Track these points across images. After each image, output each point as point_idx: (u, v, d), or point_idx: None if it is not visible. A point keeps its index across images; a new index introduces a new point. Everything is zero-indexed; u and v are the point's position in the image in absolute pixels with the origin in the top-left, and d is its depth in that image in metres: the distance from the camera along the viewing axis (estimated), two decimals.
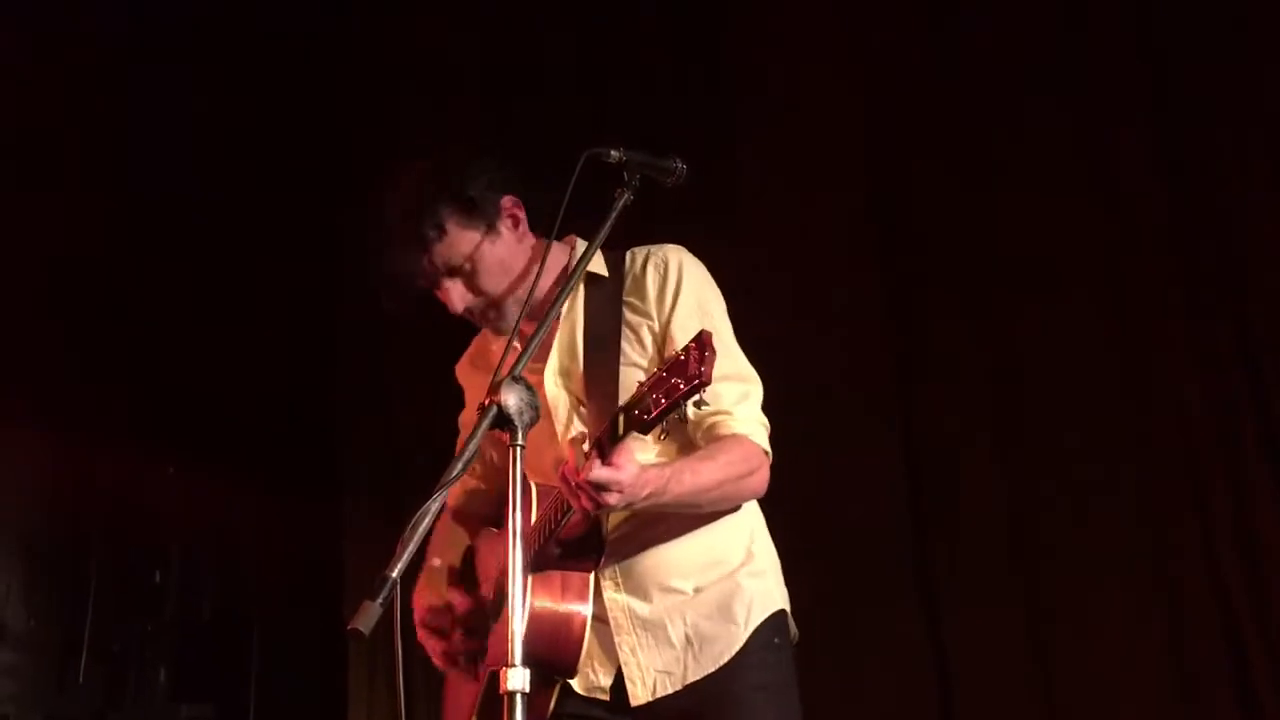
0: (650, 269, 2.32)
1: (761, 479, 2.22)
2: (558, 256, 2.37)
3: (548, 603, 2.11)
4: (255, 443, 5.87)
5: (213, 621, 5.94)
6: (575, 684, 2.20)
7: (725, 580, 2.22)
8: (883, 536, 3.87)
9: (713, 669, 2.17)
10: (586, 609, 2.12)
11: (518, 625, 1.69)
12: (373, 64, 5.95)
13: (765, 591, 2.26)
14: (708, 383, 1.73)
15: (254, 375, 5.87)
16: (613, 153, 2.16)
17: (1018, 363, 3.84)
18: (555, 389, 2.31)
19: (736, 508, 2.26)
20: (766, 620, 2.22)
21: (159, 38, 5.82)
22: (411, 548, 1.66)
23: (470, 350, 2.64)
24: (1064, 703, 3.57)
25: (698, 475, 2.10)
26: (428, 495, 1.71)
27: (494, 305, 2.32)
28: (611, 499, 1.93)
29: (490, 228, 2.28)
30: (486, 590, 2.43)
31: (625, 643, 2.18)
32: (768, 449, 2.24)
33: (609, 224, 2.13)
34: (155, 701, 5.67)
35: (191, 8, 5.85)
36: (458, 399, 2.74)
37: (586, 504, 1.94)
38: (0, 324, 5.30)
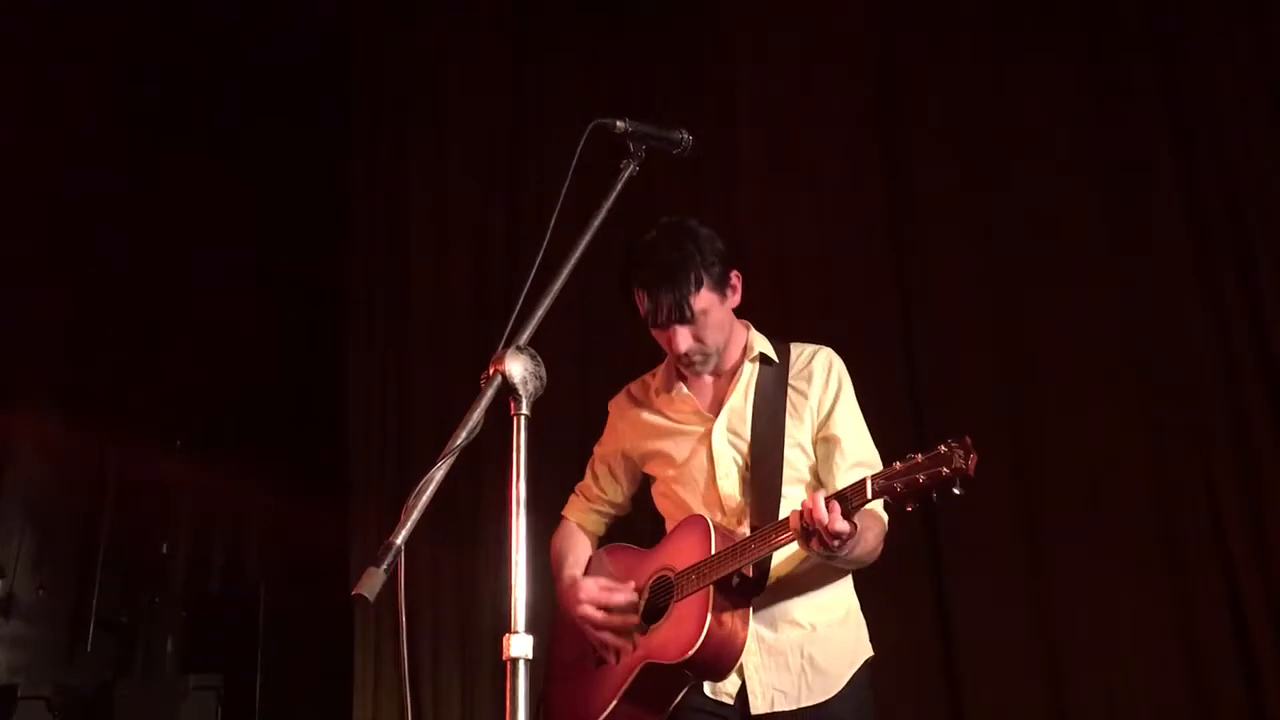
0: (817, 364, 2.73)
1: (882, 548, 2.58)
2: (741, 335, 2.78)
3: (721, 621, 2.46)
4: (264, 419, 5.89)
5: (220, 593, 5.98)
6: (705, 688, 2.56)
7: (835, 627, 2.62)
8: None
9: (821, 699, 2.54)
10: (747, 633, 2.50)
11: (519, 593, 1.71)
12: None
13: (862, 642, 2.68)
14: (970, 477, 2.13)
15: (267, 356, 5.89)
16: (619, 124, 2.20)
17: (1026, 339, 3.84)
18: (722, 442, 2.69)
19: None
20: (863, 665, 2.63)
21: None
22: (416, 515, 1.67)
23: (632, 388, 2.94)
24: (1069, 672, 3.58)
25: (866, 540, 2.45)
26: (430, 462, 1.72)
27: (705, 355, 2.68)
28: (839, 546, 2.28)
29: (723, 293, 2.64)
30: (636, 593, 2.68)
31: (751, 662, 2.54)
32: (887, 525, 2.61)
33: (614, 194, 2.15)
34: (163, 672, 5.72)
35: None
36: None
37: (817, 546, 2.29)
38: (13, 303, 5.33)
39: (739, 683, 2.54)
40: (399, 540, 1.64)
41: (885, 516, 2.59)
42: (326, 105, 6.09)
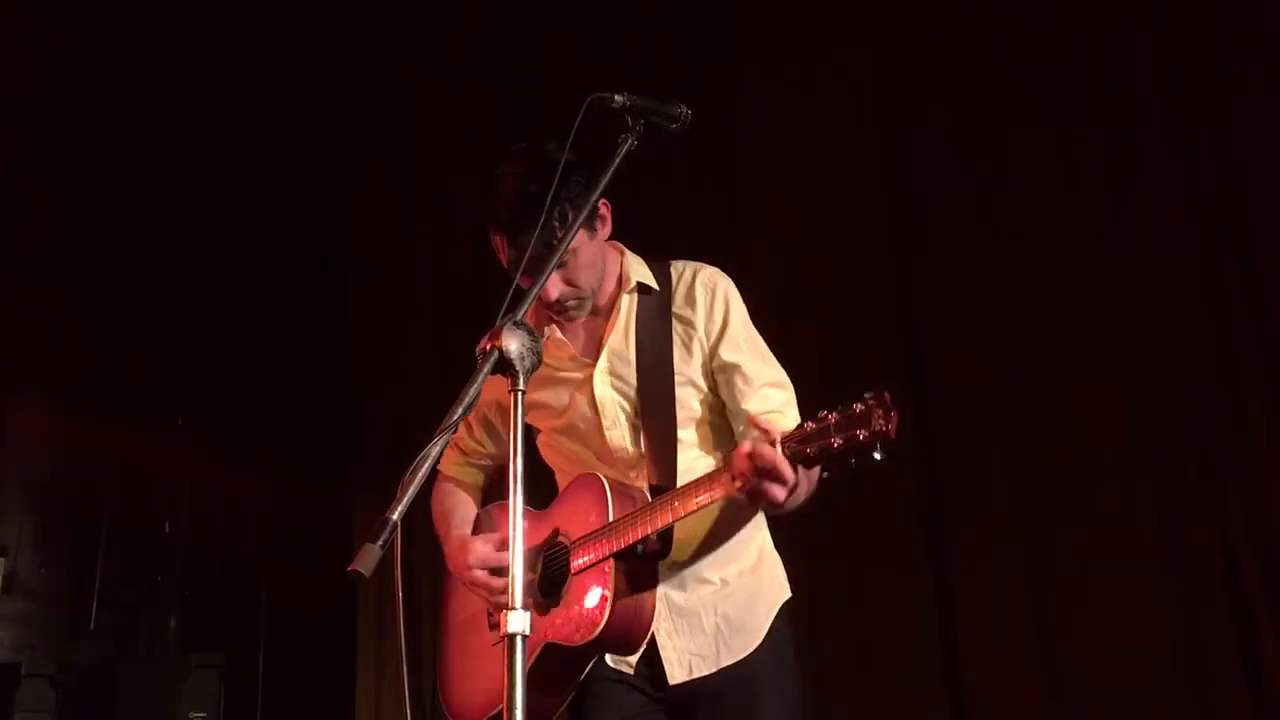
0: (699, 287, 2.47)
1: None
2: (615, 265, 2.51)
3: (626, 594, 2.27)
4: (265, 396, 5.89)
5: (222, 571, 5.99)
6: (608, 658, 2.39)
7: (747, 575, 2.45)
8: (890, 486, 3.86)
9: (742, 655, 2.39)
10: (654, 598, 2.32)
11: (517, 569, 1.70)
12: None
13: (777, 584, 2.51)
14: (892, 439, 1.86)
15: (267, 335, 5.89)
16: (617, 98, 2.14)
17: (1027, 333, 3.83)
18: (605, 388, 2.46)
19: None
20: (780, 610, 2.46)
21: None
22: (412, 491, 1.66)
23: None
24: (1064, 655, 3.59)
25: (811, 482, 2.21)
26: (429, 440, 1.71)
27: (580, 299, 2.43)
28: (783, 495, 2.02)
29: (591, 227, 2.38)
30: (531, 558, 2.47)
31: (663, 628, 2.37)
32: None
33: (612, 169, 2.12)
34: (166, 650, 5.73)
35: None
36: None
37: (772, 496, 2.02)
38: (14, 282, 5.33)
39: (641, 651, 2.37)
40: (395, 515, 1.63)
41: None
42: (330, 99, 6.09)
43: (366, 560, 1.60)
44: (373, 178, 5.94)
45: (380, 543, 1.61)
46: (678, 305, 2.47)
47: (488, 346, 1.78)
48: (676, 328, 2.45)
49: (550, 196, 2.14)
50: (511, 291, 1.96)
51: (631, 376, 2.44)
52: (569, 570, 2.36)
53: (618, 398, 2.46)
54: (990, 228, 3.96)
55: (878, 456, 1.87)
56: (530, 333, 1.81)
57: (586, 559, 2.32)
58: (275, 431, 5.80)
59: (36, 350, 5.48)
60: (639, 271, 2.51)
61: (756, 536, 2.50)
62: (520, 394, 1.79)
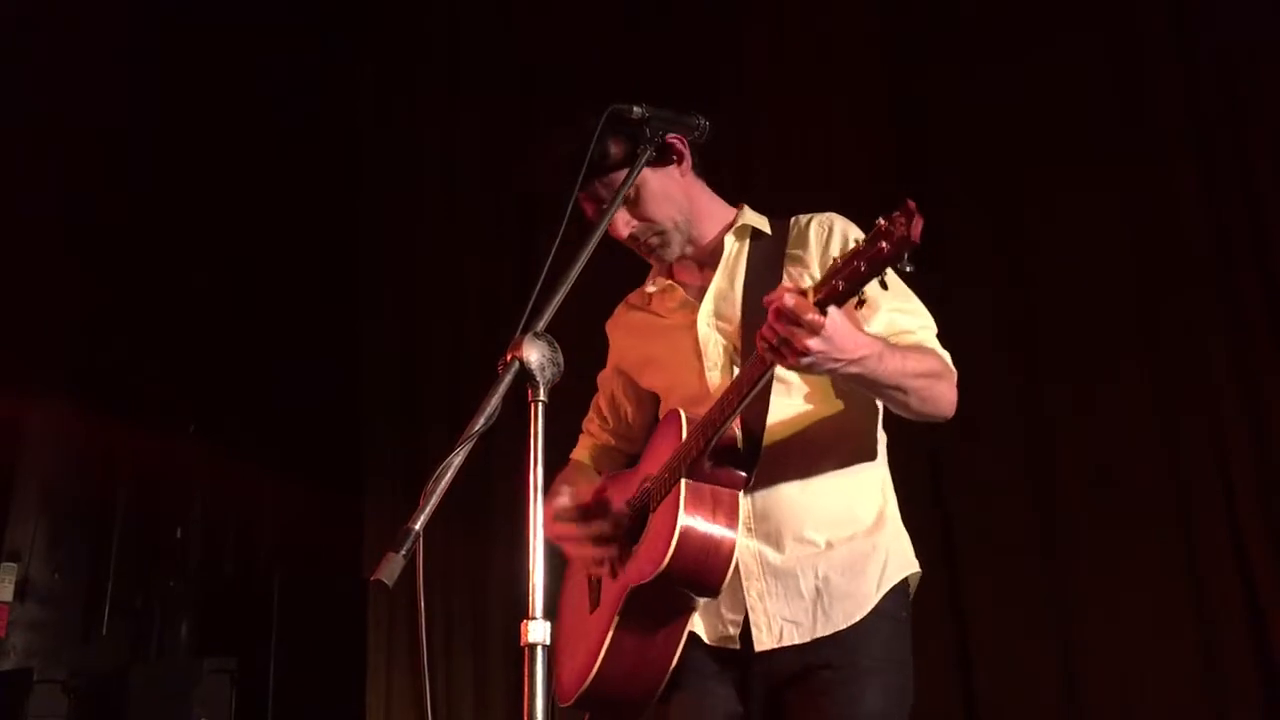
0: (814, 225, 2.36)
1: (954, 391, 2.18)
2: (725, 213, 2.45)
3: (699, 519, 2.08)
4: (277, 403, 5.92)
5: (234, 577, 6.01)
6: (705, 635, 2.21)
7: (859, 540, 2.21)
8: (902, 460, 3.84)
9: (842, 626, 2.15)
10: (735, 534, 2.10)
11: (537, 579, 1.70)
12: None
13: (900, 552, 2.26)
14: (916, 243, 1.71)
15: (280, 341, 5.91)
16: (635, 109, 2.17)
17: (1039, 332, 3.82)
18: (707, 330, 2.36)
19: (871, 440, 2.31)
20: (898, 585, 2.22)
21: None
22: (434, 500, 1.66)
23: (630, 297, 2.62)
24: (1079, 638, 3.58)
25: (907, 359, 2.06)
26: (444, 448, 1.72)
27: (659, 234, 2.37)
28: (814, 344, 1.86)
29: (658, 162, 2.30)
30: (620, 508, 2.38)
31: (754, 588, 2.17)
32: (953, 368, 2.21)
33: (631, 179, 2.15)
34: (178, 655, 5.75)
35: None
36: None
37: (800, 345, 1.86)
38: (30, 290, 5.36)
39: (741, 620, 2.19)
40: (418, 526, 1.63)
41: (941, 353, 2.19)
42: (335, 103, 6.13)
43: (389, 569, 1.61)
44: (384, 171, 5.98)
45: (403, 552, 1.61)
46: (791, 246, 2.35)
47: (509, 358, 1.78)
48: (789, 269, 2.32)
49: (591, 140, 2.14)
50: (532, 302, 1.96)
51: (736, 317, 2.33)
52: (650, 508, 2.23)
53: (720, 339, 2.35)
54: (1005, 172, 3.96)
55: (909, 269, 1.75)
56: (551, 343, 1.81)
57: (663, 489, 2.18)
58: (287, 438, 5.81)
59: (51, 358, 5.51)
60: (751, 217, 2.43)
61: (877, 499, 2.28)
62: (541, 405, 1.79)
